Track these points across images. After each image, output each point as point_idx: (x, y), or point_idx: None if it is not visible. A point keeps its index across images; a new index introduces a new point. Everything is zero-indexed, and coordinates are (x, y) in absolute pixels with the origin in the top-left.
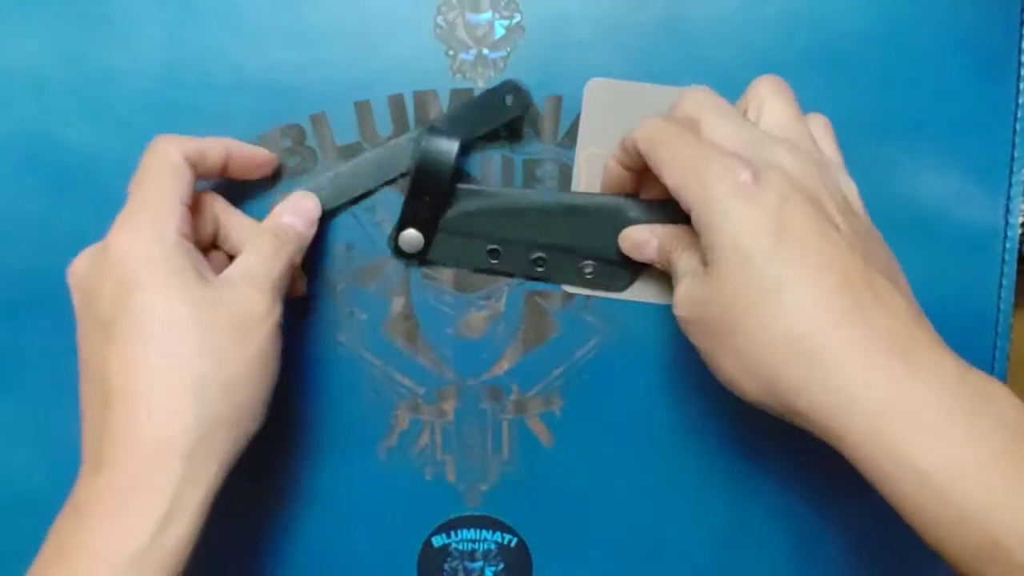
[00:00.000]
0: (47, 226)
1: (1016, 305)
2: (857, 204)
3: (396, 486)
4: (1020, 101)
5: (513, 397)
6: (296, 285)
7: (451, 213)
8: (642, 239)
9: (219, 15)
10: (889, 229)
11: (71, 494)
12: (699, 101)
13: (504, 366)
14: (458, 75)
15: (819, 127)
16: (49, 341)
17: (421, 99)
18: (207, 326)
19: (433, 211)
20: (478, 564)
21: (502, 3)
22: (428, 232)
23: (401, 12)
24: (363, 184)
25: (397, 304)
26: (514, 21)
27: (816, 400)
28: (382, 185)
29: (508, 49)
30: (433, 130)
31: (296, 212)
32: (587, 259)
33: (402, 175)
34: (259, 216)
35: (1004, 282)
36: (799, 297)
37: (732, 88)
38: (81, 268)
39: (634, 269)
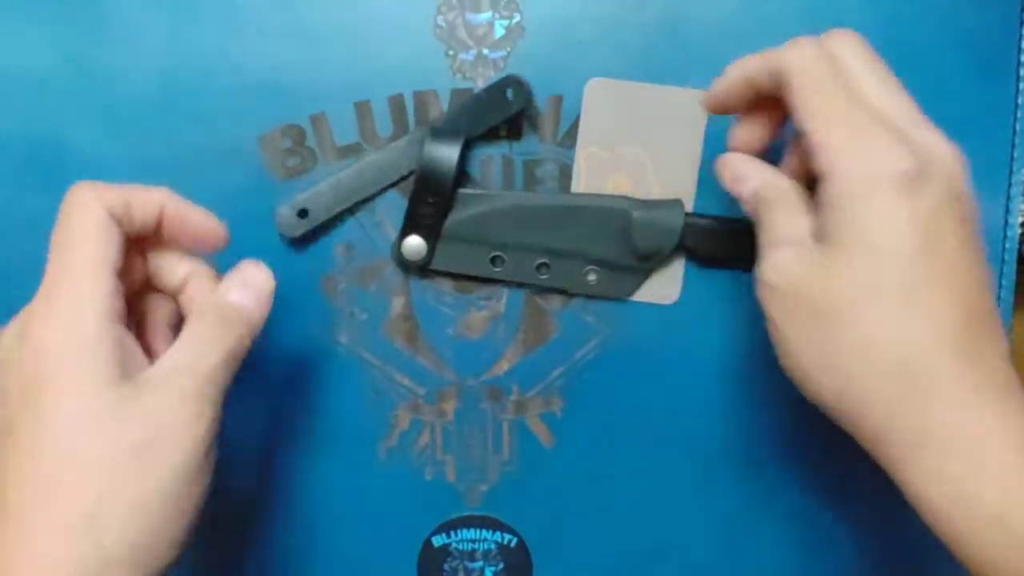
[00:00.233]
0: (47, 226)
1: (1016, 305)
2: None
3: (396, 486)
4: (1020, 101)
5: (513, 397)
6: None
7: (453, 218)
8: (742, 173)
9: (219, 15)
10: None
11: None
12: (854, 49)
13: (504, 366)
14: (458, 75)
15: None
16: None
17: (421, 99)
18: (113, 438)
19: (436, 216)
20: (478, 564)
21: (502, 3)
22: (431, 238)
23: (401, 12)
24: (364, 189)
25: (397, 304)
26: (514, 21)
27: (897, 425)
28: (383, 189)
29: (508, 49)
30: (435, 134)
31: (246, 286)
32: (591, 264)
33: (403, 178)
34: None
35: (1004, 282)
36: (925, 318)
37: None
38: (1, 349)
39: (638, 274)
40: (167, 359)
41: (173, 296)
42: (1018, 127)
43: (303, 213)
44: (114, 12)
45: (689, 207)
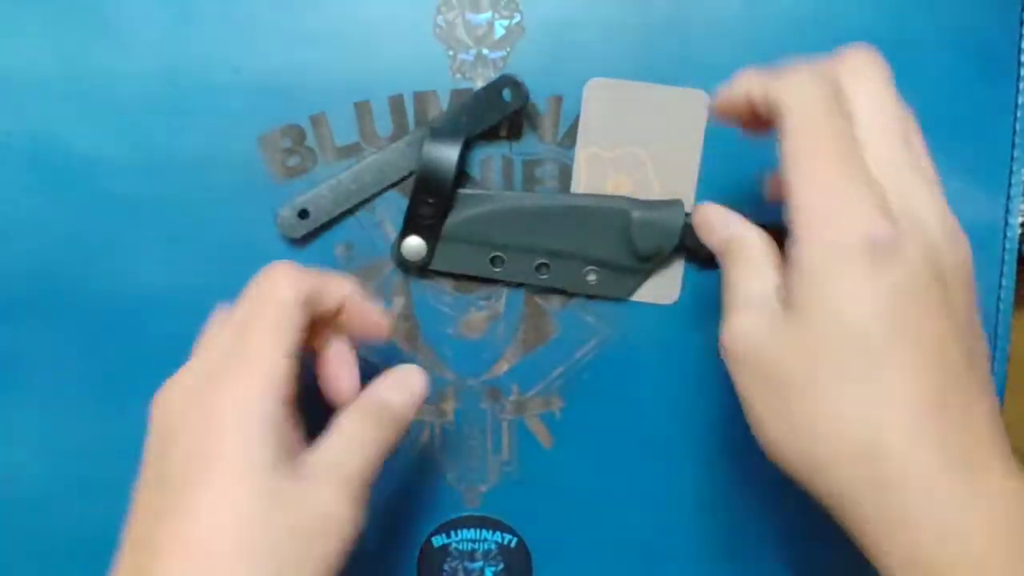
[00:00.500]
0: (47, 226)
1: (1016, 305)
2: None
3: (396, 486)
4: (1020, 101)
5: (513, 397)
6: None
7: (453, 219)
8: (715, 222)
9: (219, 16)
10: None
11: None
12: (865, 81)
13: (504, 366)
14: (458, 75)
15: (912, 129)
16: (49, 341)
17: (421, 99)
18: (276, 526)
19: (436, 217)
20: (478, 564)
21: (502, 3)
22: (431, 239)
23: (401, 12)
24: (364, 189)
25: (397, 304)
26: (514, 21)
27: (867, 511)
28: (383, 190)
29: (508, 49)
30: (434, 134)
31: (401, 389)
32: (591, 264)
33: (403, 178)
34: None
35: (1004, 282)
36: (888, 401)
37: None
38: (169, 404)
39: (638, 274)
40: (322, 452)
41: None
42: (1018, 127)
43: (304, 214)
44: (114, 12)
45: (689, 207)
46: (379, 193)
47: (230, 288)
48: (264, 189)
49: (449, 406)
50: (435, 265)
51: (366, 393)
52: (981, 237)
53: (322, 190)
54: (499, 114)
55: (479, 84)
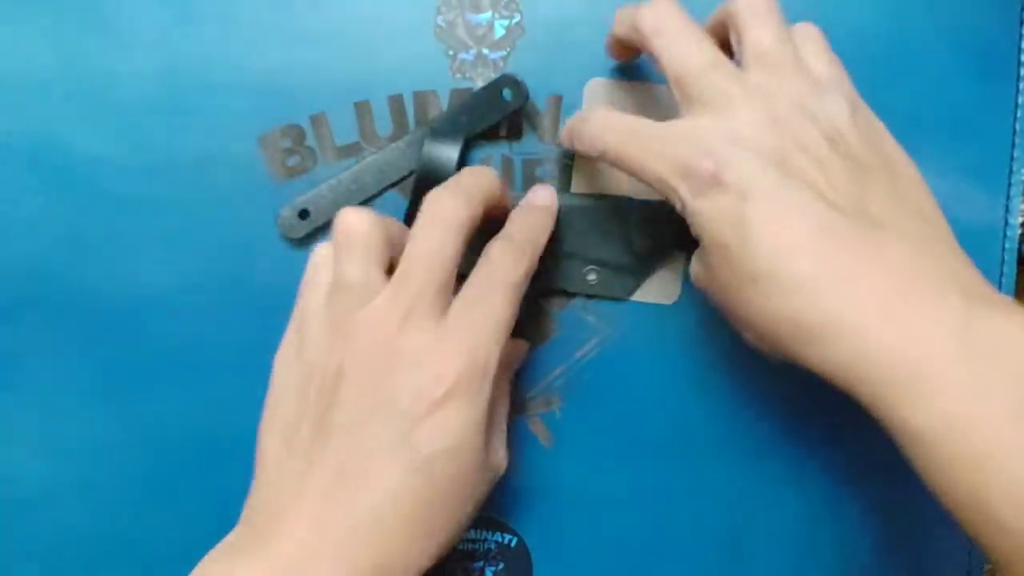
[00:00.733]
0: (47, 226)
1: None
2: (847, 128)
3: None
4: (1020, 101)
5: (512, 397)
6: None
7: None
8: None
9: (219, 15)
10: None
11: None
12: (662, 23)
13: None
14: (458, 75)
15: (807, 43)
16: (49, 341)
17: (421, 99)
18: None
19: None
20: (478, 564)
21: (502, 3)
22: None
23: (401, 12)
24: (365, 190)
25: None
26: (514, 21)
27: (822, 366)
28: (383, 190)
29: (508, 49)
30: (434, 135)
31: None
32: (591, 264)
33: (403, 178)
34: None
35: (1004, 282)
36: (781, 283)
37: None
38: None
39: (638, 274)
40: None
41: None
42: (1018, 127)
43: (304, 214)
44: (114, 12)
45: None
46: (379, 193)
47: (230, 288)
48: (264, 189)
49: None
50: None
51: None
52: (981, 237)
53: (322, 190)
54: (499, 113)
55: (479, 84)
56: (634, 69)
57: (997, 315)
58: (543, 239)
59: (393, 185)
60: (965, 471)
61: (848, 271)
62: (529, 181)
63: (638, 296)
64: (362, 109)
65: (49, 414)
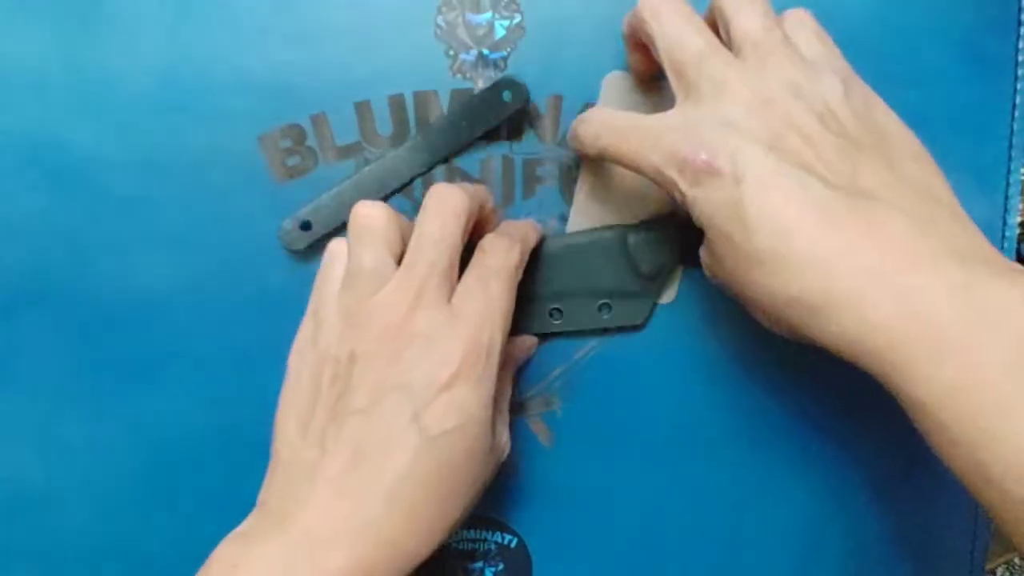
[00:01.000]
0: (47, 226)
1: None
2: (839, 105)
3: None
4: (1017, 100)
5: (513, 397)
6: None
7: None
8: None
9: (219, 15)
10: None
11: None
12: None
13: None
14: (458, 75)
15: (798, 28)
16: (49, 340)
17: (421, 99)
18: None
19: None
20: (478, 564)
21: (502, 3)
22: None
23: (401, 12)
24: (367, 197)
25: None
26: (514, 21)
27: (831, 342)
28: (384, 198)
29: (508, 49)
30: (435, 138)
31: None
32: (601, 298)
33: (404, 185)
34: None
35: None
36: (781, 264)
37: None
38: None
39: (650, 296)
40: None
41: None
42: (1016, 126)
43: (306, 226)
44: (114, 12)
45: None
46: (383, 199)
47: (230, 287)
48: (264, 189)
49: None
50: None
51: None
52: None
53: (324, 200)
54: (499, 116)
55: (480, 84)
56: None
57: (1000, 281)
58: (532, 236)
59: (395, 192)
60: (969, 440)
61: (844, 246)
62: (530, 181)
63: None
64: (363, 109)
65: (49, 414)
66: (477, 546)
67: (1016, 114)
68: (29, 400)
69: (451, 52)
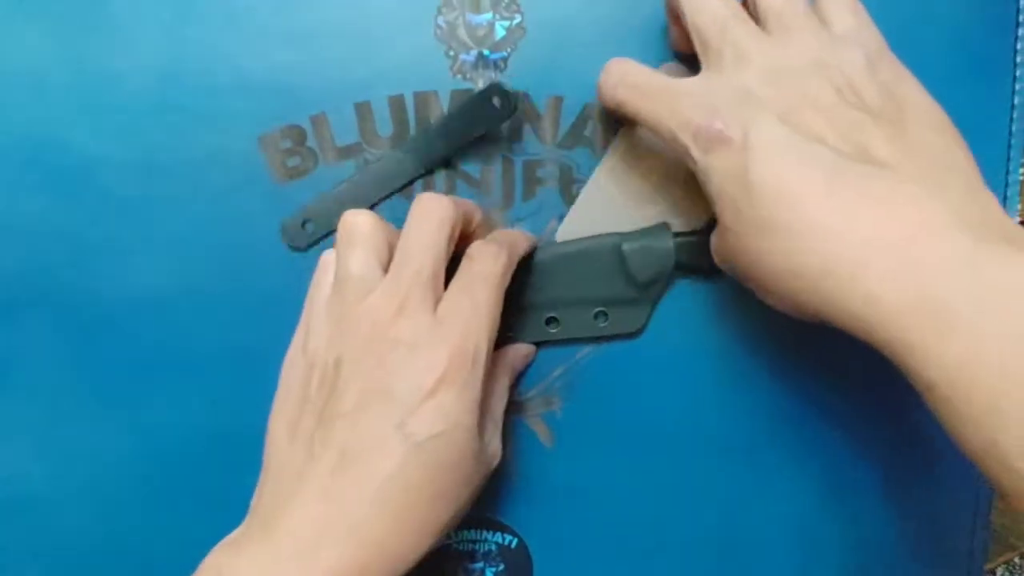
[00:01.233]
0: (47, 226)
1: None
2: (861, 79)
3: None
4: (1016, 102)
5: (513, 397)
6: None
7: None
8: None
9: (219, 15)
10: None
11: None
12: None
13: None
14: (458, 76)
15: (832, 2)
16: (49, 341)
17: (421, 100)
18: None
19: None
20: (478, 564)
21: (503, 4)
22: None
23: (401, 12)
24: (366, 198)
25: None
26: (515, 22)
27: (839, 316)
28: (384, 198)
29: (509, 50)
30: (427, 143)
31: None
32: (597, 306)
33: (404, 186)
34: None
35: None
36: (789, 231)
37: None
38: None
39: (646, 304)
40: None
41: None
42: (1014, 127)
43: (306, 224)
44: (114, 12)
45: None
46: (380, 201)
47: (230, 288)
48: (264, 189)
49: None
50: None
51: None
52: None
53: (324, 200)
54: (490, 123)
55: (480, 85)
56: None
57: (1012, 252)
58: (521, 243)
59: (394, 193)
60: (979, 419)
61: (849, 215)
62: (530, 183)
63: None
64: (363, 110)
65: (49, 414)
66: (477, 546)
67: (1015, 114)
68: (29, 400)
69: (451, 53)
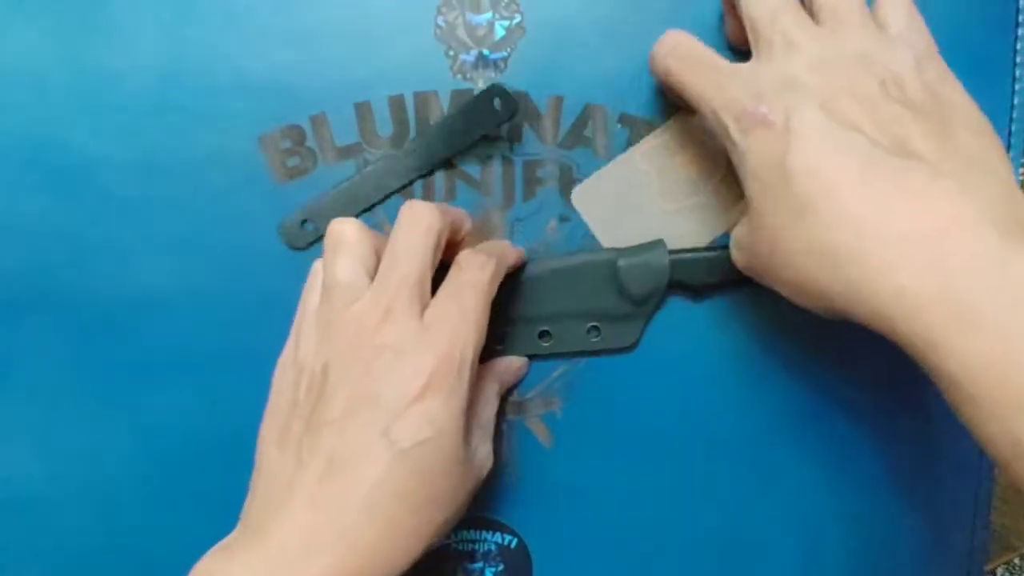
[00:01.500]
0: (47, 226)
1: None
2: (907, 77)
3: None
4: (1016, 102)
5: (513, 398)
6: None
7: None
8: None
9: (219, 15)
10: None
11: (226, 540)
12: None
13: None
14: (458, 76)
15: (889, 2)
16: (49, 341)
17: (421, 100)
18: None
19: None
20: (478, 565)
21: (503, 3)
22: None
23: (401, 12)
24: (366, 199)
25: None
26: (514, 22)
27: (861, 307)
28: (384, 198)
29: (508, 50)
30: (426, 145)
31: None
32: (591, 320)
33: (404, 186)
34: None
35: None
36: (821, 218)
37: None
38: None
39: (639, 321)
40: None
41: None
42: (1014, 127)
43: (305, 224)
44: (114, 12)
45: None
46: (379, 202)
47: (230, 288)
48: (264, 189)
49: None
50: None
51: None
52: None
53: (323, 200)
54: (490, 124)
55: (480, 85)
56: (634, 69)
57: None
58: (510, 254)
59: (393, 193)
60: (1002, 415)
61: (880, 205)
62: (530, 183)
63: None
64: (362, 110)
65: (49, 414)
66: (477, 546)
67: (1015, 114)
68: (29, 401)
69: (451, 52)
